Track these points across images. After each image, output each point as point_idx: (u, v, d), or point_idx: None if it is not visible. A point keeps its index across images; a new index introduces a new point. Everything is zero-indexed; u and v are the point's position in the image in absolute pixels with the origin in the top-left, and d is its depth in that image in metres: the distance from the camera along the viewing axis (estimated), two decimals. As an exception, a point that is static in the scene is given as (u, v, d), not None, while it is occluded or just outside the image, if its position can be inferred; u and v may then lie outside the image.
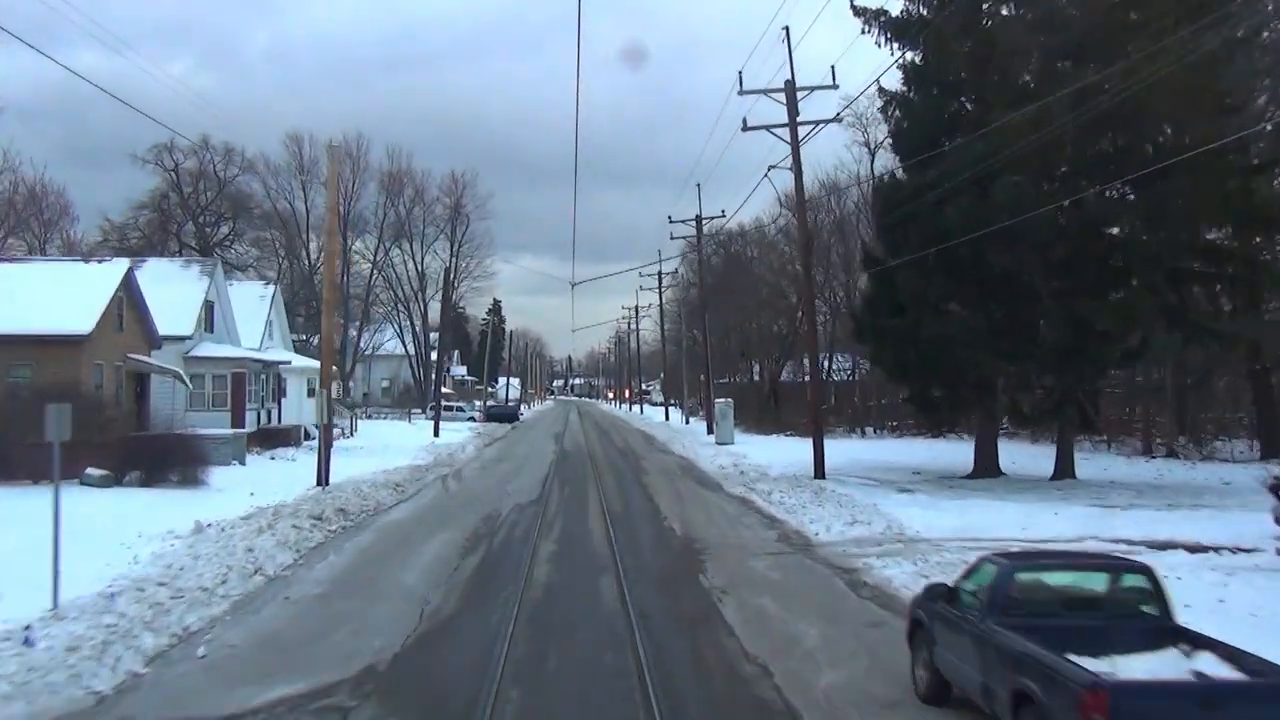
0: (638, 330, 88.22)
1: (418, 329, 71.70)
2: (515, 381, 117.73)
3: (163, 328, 28.06)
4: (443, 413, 63.47)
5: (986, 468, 24.64)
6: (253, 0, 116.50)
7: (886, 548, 14.24)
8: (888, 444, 37.22)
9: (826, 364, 48.17)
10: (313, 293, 57.92)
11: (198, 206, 51.68)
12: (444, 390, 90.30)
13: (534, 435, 49.25)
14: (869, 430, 43.09)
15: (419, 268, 69.52)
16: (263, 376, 32.36)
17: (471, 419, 63.31)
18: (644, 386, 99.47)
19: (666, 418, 61.54)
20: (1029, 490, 21.42)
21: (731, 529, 16.88)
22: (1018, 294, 22.48)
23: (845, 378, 51.69)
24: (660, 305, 64.18)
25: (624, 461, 31.53)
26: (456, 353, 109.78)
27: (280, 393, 34.68)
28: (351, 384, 73.99)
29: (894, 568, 12.64)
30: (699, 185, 39.93)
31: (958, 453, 28.41)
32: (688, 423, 54.31)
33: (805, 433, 40.51)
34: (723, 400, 35.88)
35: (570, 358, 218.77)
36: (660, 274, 62.86)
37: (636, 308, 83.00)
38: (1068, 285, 21.70)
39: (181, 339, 29.14)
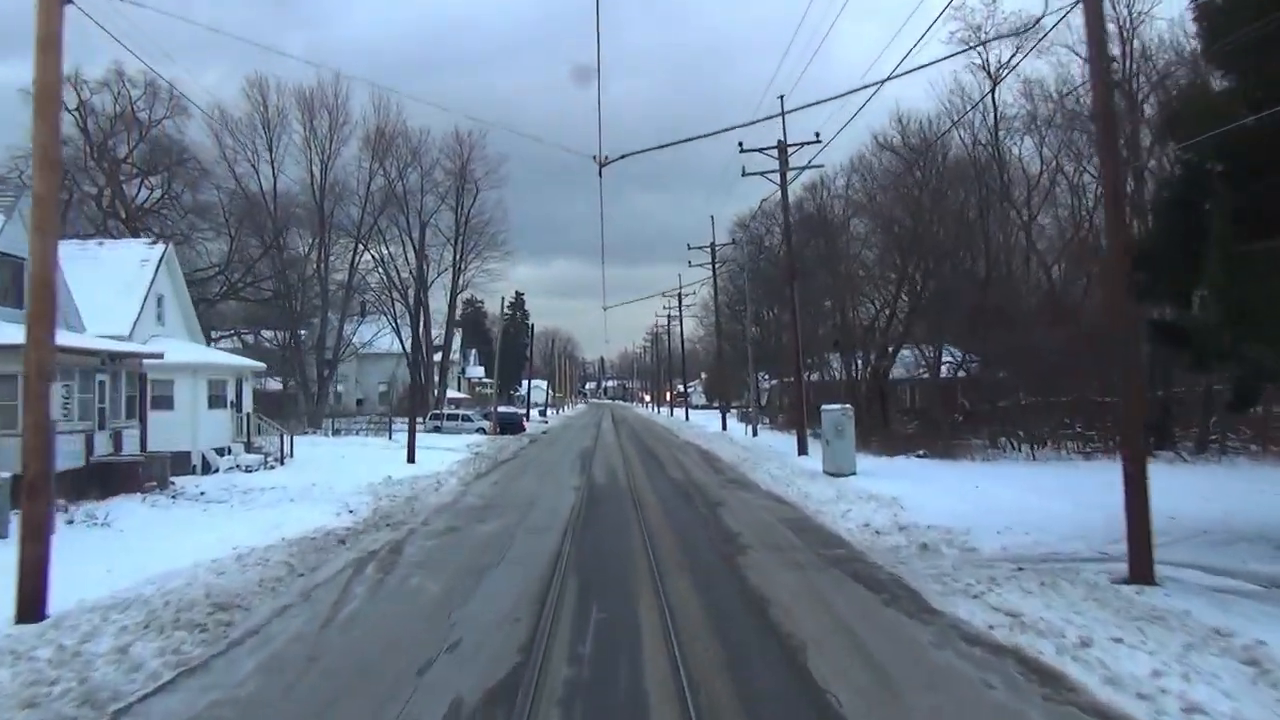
0: (681, 318, 75.58)
1: (418, 324, 59.56)
2: (540, 384, 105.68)
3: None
4: (445, 423, 51.73)
5: None
6: (287, 6, 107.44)
7: None
8: (1080, 471, 24.39)
9: (934, 356, 35.43)
10: (279, 277, 46.11)
11: (112, 160, 40.01)
12: (454, 395, 78.47)
13: (552, 455, 36.95)
14: (1013, 444, 30.16)
15: (417, 245, 57.33)
16: (101, 379, 20.23)
17: (481, 430, 51.27)
18: (684, 388, 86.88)
19: (724, 426, 48.96)
20: None
21: None
22: None
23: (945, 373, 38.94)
24: (714, 280, 51.59)
25: (690, 514, 19.09)
26: (474, 352, 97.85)
27: (146, 402, 22.54)
28: (340, 387, 62.20)
29: None
30: (781, 99, 27.21)
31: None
32: (755, 434, 41.70)
33: (942, 452, 27.89)
34: (837, 407, 23.28)
35: (603, 359, 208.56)
36: (714, 246, 50.44)
37: (680, 293, 70.50)
38: None
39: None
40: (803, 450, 28.96)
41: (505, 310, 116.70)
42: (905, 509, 17.09)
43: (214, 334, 41.94)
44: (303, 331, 50.93)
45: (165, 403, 23.79)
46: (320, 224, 50.04)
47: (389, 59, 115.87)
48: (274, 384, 53.43)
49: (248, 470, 24.44)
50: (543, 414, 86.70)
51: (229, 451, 25.41)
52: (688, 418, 71.93)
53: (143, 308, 23.82)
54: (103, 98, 39.30)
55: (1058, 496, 18.24)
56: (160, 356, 21.99)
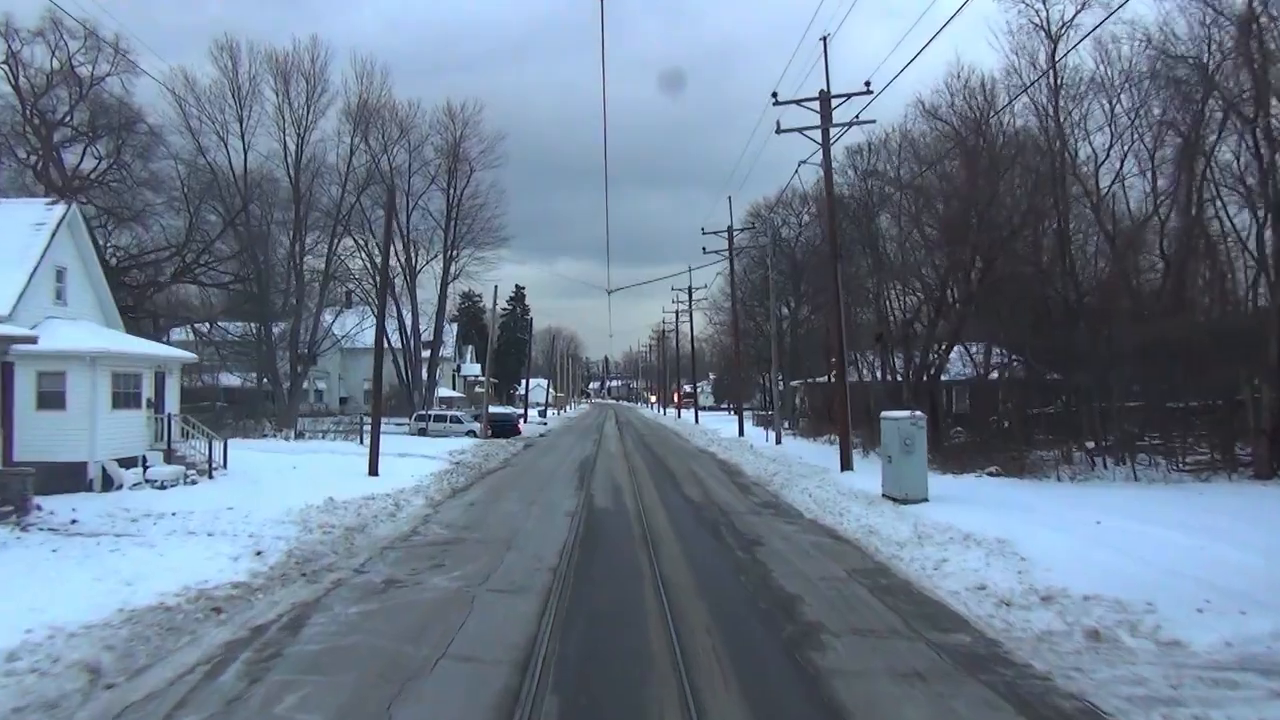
0: (691, 313, 70.66)
1: (404, 314, 54.66)
2: (541, 383, 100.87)
3: None
4: (432, 424, 46.97)
5: None
6: (293, 6, 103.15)
7: None
8: (1212, 496, 19.40)
9: (983, 355, 30.56)
10: (244, 256, 41.33)
11: (46, 120, 35.15)
12: (448, 394, 73.64)
13: (547, 465, 32.07)
14: (1103, 459, 25.19)
15: (404, 231, 52.54)
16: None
17: (471, 432, 46.47)
18: (694, 388, 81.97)
19: (741, 431, 44.02)
20: None
21: None
22: None
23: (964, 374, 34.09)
24: (731, 268, 46.73)
25: (721, 559, 14.16)
26: (472, 349, 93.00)
27: (11, 398, 17.54)
28: (322, 385, 57.37)
29: None
30: (824, 41, 22.64)
31: None
32: (779, 442, 36.77)
33: (1016, 469, 22.99)
34: (904, 414, 18.19)
35: (607, 359, 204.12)
36: (731, 231, 45.56)
37: (690, 287, 65.64)
38: None
39: None
40: (846, 465, 24.04)
41: (505, 304, 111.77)
42: (1026, 560, 12.19)
43: (162, 323, 37.25)
44: (279, 325, 46.11)
45: (55, 400, 18.98)
46: (296, 202, 45.20)
47: (391, 58, 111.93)
48: (249, 382, 48.71)
49: (161, 487, 19.63)
50: (542, 414, 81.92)
51: (143, 462, 20.60)
52: (697, 420, 67.04)
53: (30, 281, 18.97)
54: (35, 49, 34.58)
55: (1224, 540, 13.34)
56: (34, 340, 17.12)
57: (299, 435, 35.85)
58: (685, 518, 18.21)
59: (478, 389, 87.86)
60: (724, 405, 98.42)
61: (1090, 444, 24.12)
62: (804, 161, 24.92)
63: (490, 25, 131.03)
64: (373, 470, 23.93)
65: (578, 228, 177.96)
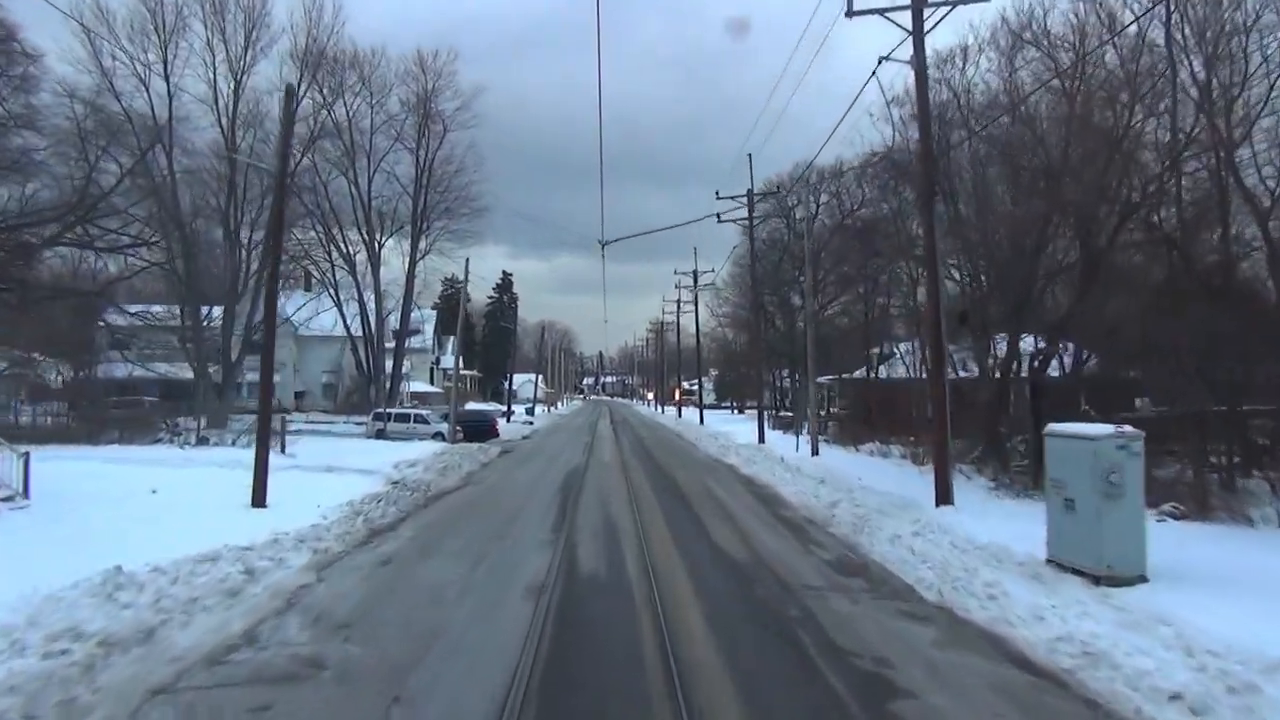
0: (696, 303, 63.25)
1: (366, 297, 47.05)
2: (529, 378, 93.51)
3: None
4: (393, 425, 39.63)
5: None
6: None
7: None
8: None
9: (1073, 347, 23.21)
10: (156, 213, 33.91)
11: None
12: (423, 389, 66.18)
13: (520, 483, 24.59)
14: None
15: (364, 198, 45.05)
16: None
17: (439, 435, 39.16)
18: (690, 384, 74.63)
19: (761, 437, 36.56)
20: None
21: None
22: None
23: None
24: (751, 239, 39.39)
25: None
26: (453, 340, 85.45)
27: None
28: (275, 377, 49.77)
29: None
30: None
31: None
32: (816, 452, 29.32)
33: (1200, 507, 15.58)
34: (1101, 432, 10.87)
35: (602, 354, 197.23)
36: (751, 195, 38.06)
37: (695, 272, 58.35)
38: None
39: None
40: (944, 498, 16.66)
41: (491, 292, 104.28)
42: None
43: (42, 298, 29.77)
44: (214, 308, 38.69)
45: None
46: (229, 158, 37.70)
47: (391, 51, 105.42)
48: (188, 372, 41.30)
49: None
50: (530, 412, 74.43)
51: None
52: (702, 420, 59.63)
53: None
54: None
55: None
56: None
57: (202, 441, 28.42)
58: (725, 598, 10.88)
59: (460, 384, 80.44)
60: (728, 404, 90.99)
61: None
62: (886, 58, 19.03)
63: (490, 21, 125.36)
64: (258, 499, 16.50)
65: (577, 224, 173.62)
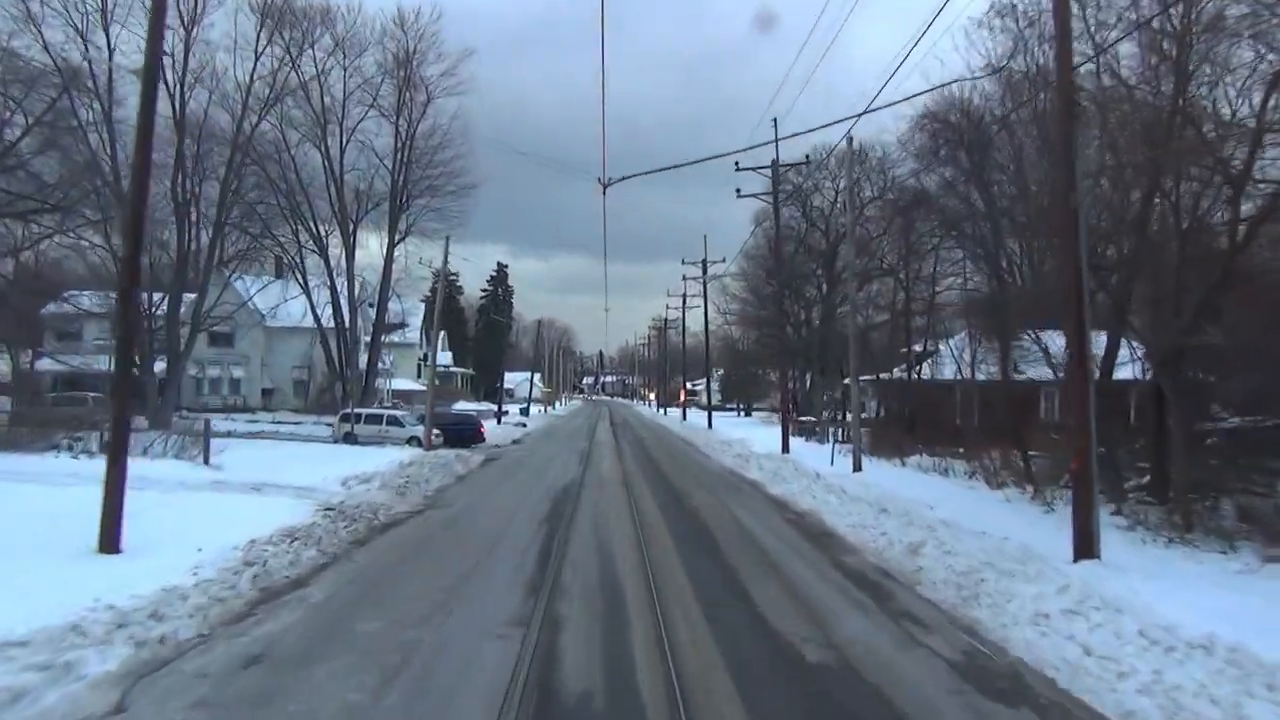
0: (705, 296, 58.40)
1: (337, 283, 42.04)
2: (522, 376, 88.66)
3: None
4: (363, 427, 34.88)
5: None
6: None
7: None
8: None
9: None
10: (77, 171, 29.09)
11: None
12: (406, 386, 61.30)
13: (493, 513, 19.55)
14: None
15: (335, 172, 40.13)
16: None
17: (415, 439, 34.37)
18: (707, 385, 70.05)
19: (786, 446, 31.58)
20: None
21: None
22: None
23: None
24: (775, 211, 34.51)
25: None
26: (444, 335, 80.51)
27: None
28: (239, 372, 45.14)
29: None
30: None
31: None
32: (859, 468, 24.35)
33: None
34: None
35: (602, 353, 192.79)
36: (776, 165, 33.09)
37: (705, 261, 53.64)
38: None
39: None
40: (1086, 549, 11.68)
41: (485, 284, 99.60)
42: None
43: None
44: (150, 294, 33.84)
45: None
46: (176, 119, 32.84)
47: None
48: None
49: None
50: (524, 413, 69.52)
51: None
52: (711, 424, 54.73)
53: None
54: None
55: None
56: None
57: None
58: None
59: (445, 381, 75.53)
60: (733, 405, 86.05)
61: None
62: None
63: (489, 17, 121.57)
64: (108, 541, 11.56)
65: (575, 223, 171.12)
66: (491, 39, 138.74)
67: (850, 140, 23.68)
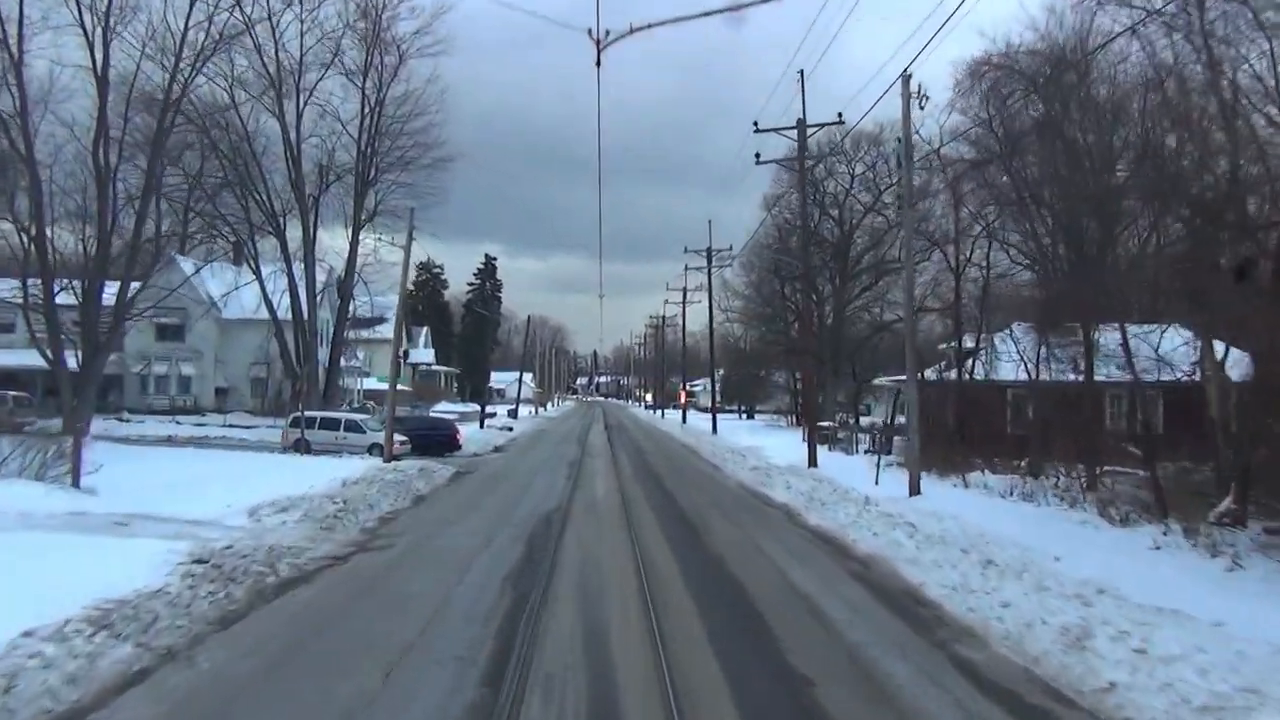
0: (710, 289, 53.48)
1: (295, 269, 36.94)
2: (512, 375, 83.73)
3: None
4: (318, 434, 29.96)
5: None
6: None
7: None
8: None
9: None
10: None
11: None
12: (383, 388, 56.33)
13: (456, 543, 14.50)
14: None
15: (291, 138, 35.10)
16: None
17: (376, 446, 29.53)
18: (711, 385, 65.34)
19: (813, 459, 26.64)
20: None
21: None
22: None
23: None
24: (802, 184, 29.71)
25: None
26: (427, 331, 75.46)
27: None
28: (189, 369, 40.20)
29: None
30: None
31: None
32: (917, 491, 19.44)
33: None
34: None
35: (596, 353, 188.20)
36: (803, 124, 28.03)
37: (710, 250, 48.81)
38: None
39: None
40: None
41: (472, 278, 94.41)
42: None
43: None
44: (68, 283, 28.86)
45: None
46: (96, 72, 27.83)
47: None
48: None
49: None
50: (512, 415, 64.58)
51: None
52: (715, 429, 49.82)
53: None
54: None
55: None
56: None
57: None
58: None
59: (428, 379, 70.57)
60: (734, 407, 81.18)
61: None
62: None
63: (488, 14, 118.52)
64: None
65: (573, 222, 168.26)
66: (491, 37, 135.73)
67: (907, 78, 18.76)
